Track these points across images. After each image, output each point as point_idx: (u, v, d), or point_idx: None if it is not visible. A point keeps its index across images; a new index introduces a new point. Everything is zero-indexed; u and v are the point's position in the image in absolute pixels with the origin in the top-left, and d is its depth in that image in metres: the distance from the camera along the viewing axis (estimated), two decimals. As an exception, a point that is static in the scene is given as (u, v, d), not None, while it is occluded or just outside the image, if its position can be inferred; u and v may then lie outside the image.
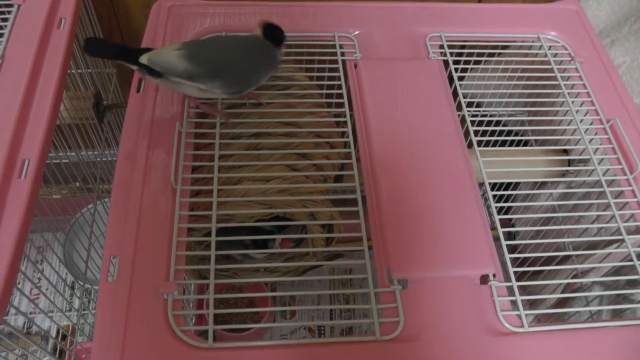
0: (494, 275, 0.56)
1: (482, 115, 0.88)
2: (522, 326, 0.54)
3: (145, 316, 0.52)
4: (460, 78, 0.74)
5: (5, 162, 0.61)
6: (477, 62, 0.82)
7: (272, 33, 0.64)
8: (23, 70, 0.68)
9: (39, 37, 0.71)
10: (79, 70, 0.93)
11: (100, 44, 0.61)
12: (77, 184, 0.98)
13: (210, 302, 0.52)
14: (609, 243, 0.72)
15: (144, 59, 0.59)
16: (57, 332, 1.14)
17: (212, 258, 0.55)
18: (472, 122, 0.69)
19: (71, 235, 1.14)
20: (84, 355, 1.05)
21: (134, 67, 0.60)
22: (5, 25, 0.72)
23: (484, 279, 0.56)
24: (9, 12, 0.74)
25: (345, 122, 0.66)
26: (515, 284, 0.56)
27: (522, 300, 0.55)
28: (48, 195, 0.96)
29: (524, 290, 0.69)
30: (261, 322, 1.10)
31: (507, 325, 0.54)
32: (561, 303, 0.82)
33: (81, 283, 1.15)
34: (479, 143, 0.68)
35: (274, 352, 0.51)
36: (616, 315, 0.72)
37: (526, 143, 0.93)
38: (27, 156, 0.63)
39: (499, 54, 0.83)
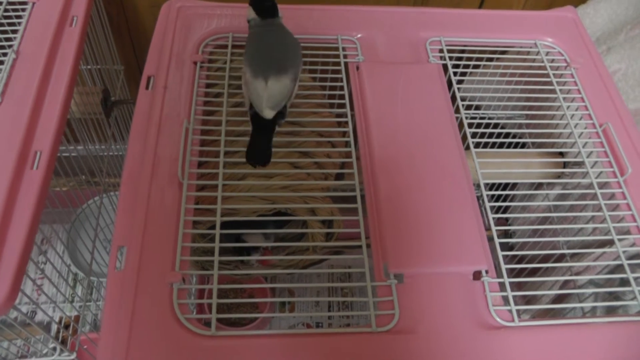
0: (486, 272, 0.58)
1: (481, 118, 0.91)
2: (513, 320, 0.56)
3: (151, 304, 0.54)
4: (459, 82, 0.77)
5: (18, 153, 0.63)
6: (476, 67, 0.84)
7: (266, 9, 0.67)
8: (37, 66, 0.70)
9: (52, 34, 0.73)
10: (88, 67, 0.95)
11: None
12: (84, 177, 1.00)
13: (213, 292, 0.54)
14: (602, 243, 0.75)
15: (269, 114, 0.60)
16: (60, 321, 1.16)
17: (217, 250, 0.57)
18: (470, 125, 0.71)
19: (75, 228, 1.17)
20: (85, 346, 1.08)
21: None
22: (20, 23, 0.74)
23: (477, 275, 0.59)
24: (24, 10, 0.76)
25: (346, 122, 0.68)
26: (507, 280, 0.58)
27: (519, 299, 0.57)
28: (56, 187, 0.99)
29: (519, 288, 0.71)
30: (259, 317, 1.12)
31: (498, 319, 0.56)
32: (556, 301, 0.85)
33: (84, 275, 1.17)
34: (477, 145, 0.70)
35: (274, 341, 0.53)
36: (609, 313, 0.75)
37: (523, 145, 0.95)
38: (40, 148, 0.65)
39: (497, 59, 0.85)
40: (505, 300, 0.58)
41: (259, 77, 0.61)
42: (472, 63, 0.81)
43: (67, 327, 1.14)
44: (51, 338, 0.85)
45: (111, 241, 0.60)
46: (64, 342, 1.10)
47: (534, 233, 0.91)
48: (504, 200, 1.05)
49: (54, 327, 1.15)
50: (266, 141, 0.60)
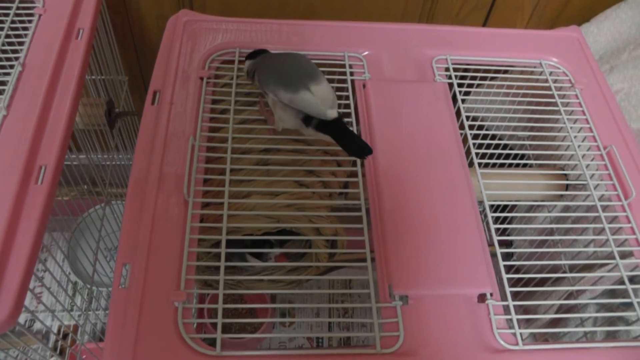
0: (491, 294, 0.58)
1: (484, 136, 0.91)
2: (517, 344, 0.56)
3: (156, 323, 0.54)
4: (464, 100, 0.77)
5: (23, 168, 0.62)
6: (481, 85, 0.84)
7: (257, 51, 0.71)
8: (42, 79, 0.70)
9: (59, 47, 0.73)
10: (92, 77, 0.95)
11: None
12: (85, 187, 1.00)
13: (219, 312, 0.54)
14: (603, 265, 0.75)
15: (333, 113, 0.61)
16: (59, 330, 1.15)
17: (222, 269, 0.57)
18: (474, 145, 0.72)
19: (74, 237, 1.16)
20: (84, 356, 1.07)
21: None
22: (27, 35, 0.74)
23: (482, 298, 0.59)
24: (30, 22, 0.76)
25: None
26: (511, 303, 0.58)
27: (521, 319, 0.57)
28: (57, 196, 0.98)
29: (519, 308, 0.71)
30: (260, 329, 1.12)
31: (502, 342, 0.56)
32: (556, 321, 0.85)
33: (83, 283, 1.16)
34: (481, 164, 0.70)
35: (278, 361, 0.54)
36: (610, 335, 0.75)
37: (526, 164, 0.95)
38: (44, 162, 0.64)
39: (501, 78, 0.85)
40: (509, 322, 0.58)
41: (300, 90, 0.61)
42: (476, 82, 0.81)
43: (65, 336, 1.14)
44: (49, 349, 0.84)
45: (116, 258, 0.59)
46: (62, 353, 1.10)
47: (534, 253, 0.92)
48: (505, 219, 1.05)
49: (52, 337, 1.14)
50: (353, 134, 0.61)
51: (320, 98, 0.61)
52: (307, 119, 0.62)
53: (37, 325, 1.17)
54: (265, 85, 0.65)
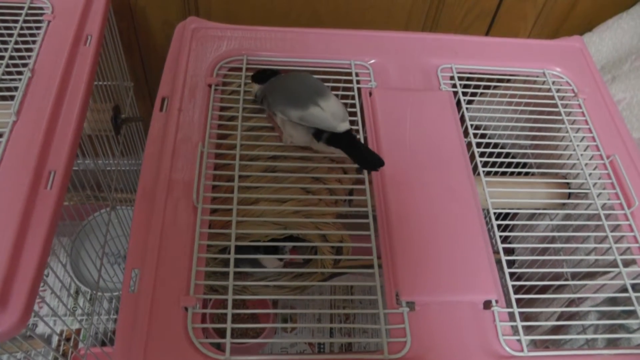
0: (496, 301, 0.59)
1: (487, 144, 0.91)
2: (522, 350, 0.57)
3: (165, 328, 0.54)
4: (467, 109, 0.78)
5: (33, 173, 0.63)
6: (485, 94, 0.85)
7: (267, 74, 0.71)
8: (51, 85, 0.70)
9: (67, 52, 0.74)
10: (99, 83, 0.95)
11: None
12: (89, 192, 1.00)
13: (228, 317, 0.55)
14: (605, 273, 0.75)
15: (345, 126, 0.63)
16: (62, 334, 1.15)
17: (231, 274, 0.57)
18: (480, 152, 0.72)
19: (77, 241, 1.17)
20: (87, 360, 1.07)
21: None
22: (36, 41, 0.75)
23: (487, 305, 0.59)
24: (39, 29, 0.76)
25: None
26: (516, 310, 0.59)
27: (523, 325, 0.58)
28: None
29: (521, 314, 0.72)
30: (262, 335, 1.13)
31: (507, 349, 0.57)
32: (557, 328, 0.85)
33: (85, 288, 1.17)
34: (483, 171, 0.71)
35: (285, 367, 0.54)
36: (611, 342, 0.75)
37: (528, 172, 0.96)
38: (54, 168, 0.65)
39: (505, 86, 0.86)
40: (514, 329, 0.59)
41: (309, 106, 0.63)
42: (479, 91, 0.82)
43: (68, 340, 1.14)
44: (52, 351, 0.84)
45: (118, 262, 0.60)
46: (64, 355, 1.10)
47: (536, 261, 0.92)
48: (506, 227, 1.05)
49: (55, 340, 1.15)
50: (364, 147, 0.63)
51: (330, 112, 0.63)
52: (318, 134, 0.64)
53: (39, 330, 1.18)
54: (274, 106, 0.66)
